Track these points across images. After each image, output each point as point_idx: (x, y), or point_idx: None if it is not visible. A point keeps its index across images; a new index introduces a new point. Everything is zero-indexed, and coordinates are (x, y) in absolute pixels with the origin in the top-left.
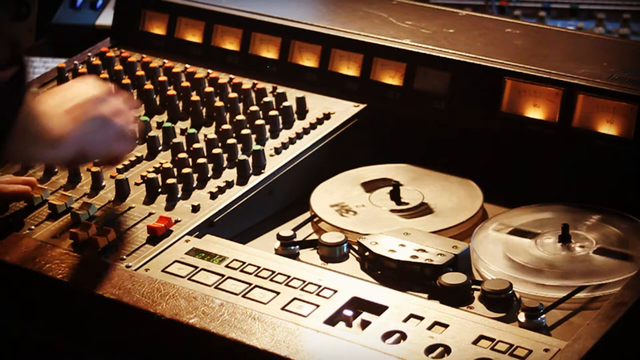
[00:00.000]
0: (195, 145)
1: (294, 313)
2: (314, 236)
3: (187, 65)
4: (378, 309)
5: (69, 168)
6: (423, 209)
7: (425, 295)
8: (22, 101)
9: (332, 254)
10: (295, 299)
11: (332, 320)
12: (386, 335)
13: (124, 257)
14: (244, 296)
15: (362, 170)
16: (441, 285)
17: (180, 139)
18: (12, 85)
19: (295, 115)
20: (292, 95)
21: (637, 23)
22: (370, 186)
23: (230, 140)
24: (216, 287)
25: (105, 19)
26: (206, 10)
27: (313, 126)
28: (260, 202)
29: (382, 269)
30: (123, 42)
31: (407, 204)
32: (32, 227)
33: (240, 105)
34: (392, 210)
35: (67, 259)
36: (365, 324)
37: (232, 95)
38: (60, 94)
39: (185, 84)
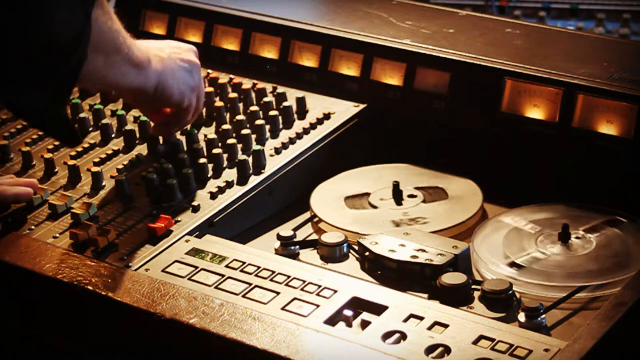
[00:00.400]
0: (195, 145)
1: (294, 313)
2: (314, 236)
3: None
4: (378, 309)
5: (149, 107)
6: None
7: (425, 295)
8: (90, 8)
9: (332, 254)
10: (295, 299)
11: (332, 320)
12: (386, 335)
13: (124, 257)
14: (244, 296)
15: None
16: (441, 285)
17: (180, 138)
18: None
19: (295, 115)
20: (292, 95)
21: (637, 23)
22: (353, 201)
23: (230, 140)
24: (216, 287)
25: None
26: (206, 10)
27: (313, 126)
28: (260, 202)
29: (382, 269)
30: None
31: (415, 196)
32: (32, 227)
33: (240, 105)
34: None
35: (67, 259)
36: (365, 324)
37: (232, 95)
38: (155, 42)
39: None
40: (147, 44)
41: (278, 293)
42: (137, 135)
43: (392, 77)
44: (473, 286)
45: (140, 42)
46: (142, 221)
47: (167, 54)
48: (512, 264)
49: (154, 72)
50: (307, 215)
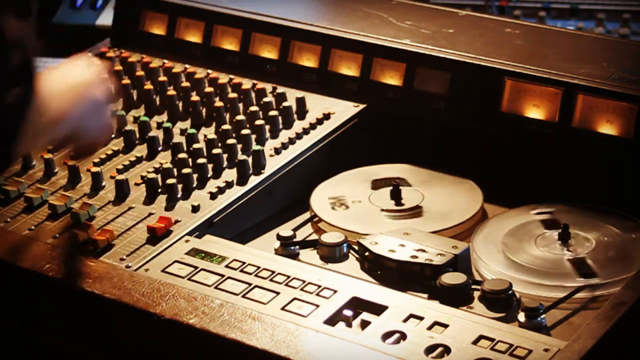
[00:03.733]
0: (195, 146)
1: (293, 313)
2: (314, 236)
3: (187, 66)
4: (378, 309)
5: (55, 148)
6: (416, 212)
7: (425, 295)
8: (27, 116)
9: (332, 254)
10: (295, 299)
11: (332, 320)
12: (386, 335)
13: (124, 257)
14: (243, 296)
15: (362, 170)
16: (441, 285)
17: (180, 139)
18: (17, 107)
19: (295, 116)
20: (292, 95)
21: (637, 23)
22: (378, 184)
23: (230, 141)
24: (216, 287)
25: (105, 19)
26: (206, 10)
27: (313, 126)
28: (260, 202)
29: (382, 269)
30: (123, 42)
31: (402, 204)
32: (32, 227)
33: (240, 105)
34: (384, 210)
35: (67, 259)
36: (365, 324)
37: (232, 95)
38: (59, 74)
39: (185, 84)
40: (56, 87)
41: (278, 293)
42: (137, 135)
43: (392, 77)
44: (473, 286)
45: (52, 93)
46: (142, 221)
47: (76, 96)
48: (512, 264)
49: (67, 123)
50: (307, 215)
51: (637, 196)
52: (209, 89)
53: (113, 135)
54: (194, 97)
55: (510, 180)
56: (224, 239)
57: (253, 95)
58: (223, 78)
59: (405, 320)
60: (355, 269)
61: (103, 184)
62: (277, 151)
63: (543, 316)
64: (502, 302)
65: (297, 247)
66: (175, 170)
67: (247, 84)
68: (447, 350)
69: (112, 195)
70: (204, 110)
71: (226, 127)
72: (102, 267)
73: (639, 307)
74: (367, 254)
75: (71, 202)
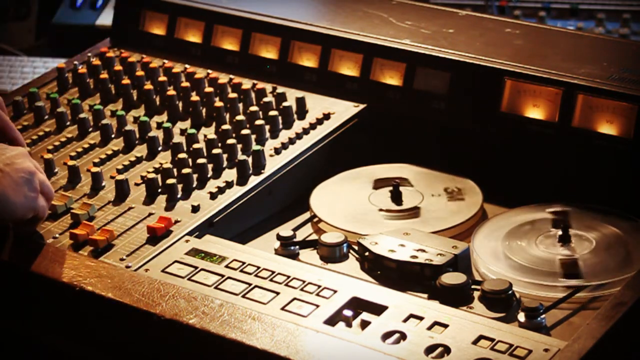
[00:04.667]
0: (195, 146)
1: (293, 313)
2: (314, 236)
3: (187, 66)
4: (378, 309)
5: None
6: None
7: (425, 295)
8: None
9: (332, 254)
10: (295, 299)
11: (332, 321)
12: (386, 335)
13: (124, 257)
14: (243, 296)
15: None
16: (441, 285)
17: (180, 139)
18: None
19: (295, 116)
20: (292, 95)
21: (637, 23)
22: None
23: (230, 141)
24: (216, 287)
25: (105, 19)
26: (206, 10)
27: (313, 126)
28: (260, 202)
29: (382, 269)
30: (123, 42)
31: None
32: None
33: (240, 105)
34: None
35: (67, 259)
36: (365, 324)
37: (232, 95)
38: None
39: (185, 84)
40: None
41: (278, 293)
42: (137, 135)
43: (392, 77)
44: (473, 286)
45: None
46: (142, 221)
47: (2, 169)
48: (512, 264)
49: None
50: (307, 215)
51: (637, 196)
52: (209, 89)
53: (109, 143)
54: (194, 97)
55: (510, 180)
56: (224, 239)
57: (253, 95)
58: (223, 78)
59: (405, 320)
60: (355, 269)
61: (103, 184)
62: (277, 151)
63: (543, 316)
64: (502, 302)
65: (297, 247)
66: (175, 170)
67: (247, 84)
68: (447, 350)
69: (112, 195)
70: (204, 110)
71: (226, 127)
72: (102, 267)
73: (639, 307)
74: (367, 254)
75: (71, 202)
